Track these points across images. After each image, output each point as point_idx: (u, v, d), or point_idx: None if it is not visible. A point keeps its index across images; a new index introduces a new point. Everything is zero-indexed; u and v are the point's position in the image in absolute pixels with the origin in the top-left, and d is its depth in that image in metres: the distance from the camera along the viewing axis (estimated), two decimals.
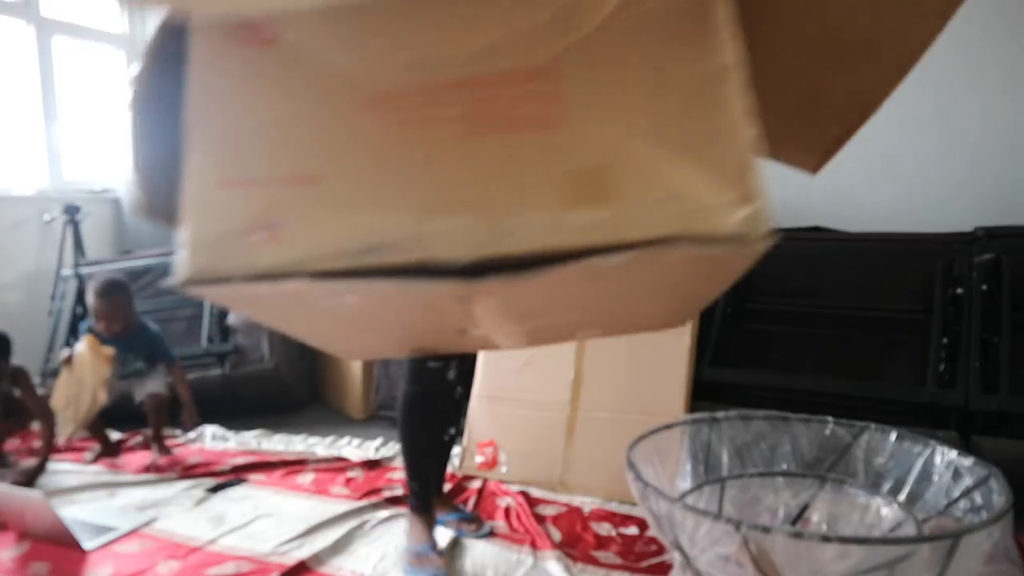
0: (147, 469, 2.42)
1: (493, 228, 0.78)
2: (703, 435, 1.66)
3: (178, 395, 2.58)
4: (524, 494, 2.09)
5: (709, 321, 2.35)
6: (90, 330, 2.55)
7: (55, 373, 3.06)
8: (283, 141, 0.83)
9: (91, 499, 2.20)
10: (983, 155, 2.75)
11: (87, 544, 1.84)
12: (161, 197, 0.95)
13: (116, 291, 2.54)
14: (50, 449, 2.39)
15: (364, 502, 2.07)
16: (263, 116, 0.84)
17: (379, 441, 2.60)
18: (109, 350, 2.46)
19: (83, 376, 2.43)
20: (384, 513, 2.00)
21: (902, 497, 1.51)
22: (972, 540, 1.11)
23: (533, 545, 1.80)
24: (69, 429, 2.43)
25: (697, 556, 1.24)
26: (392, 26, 0.79)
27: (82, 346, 2.47)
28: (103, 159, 4.21)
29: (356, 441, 2.64)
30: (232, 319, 3.01)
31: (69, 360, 2.45)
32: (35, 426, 2.53)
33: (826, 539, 1.13)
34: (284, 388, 3.04)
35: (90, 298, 2.52)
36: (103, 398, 2.43)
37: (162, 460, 2.47)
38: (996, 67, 2.69)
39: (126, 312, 2.54)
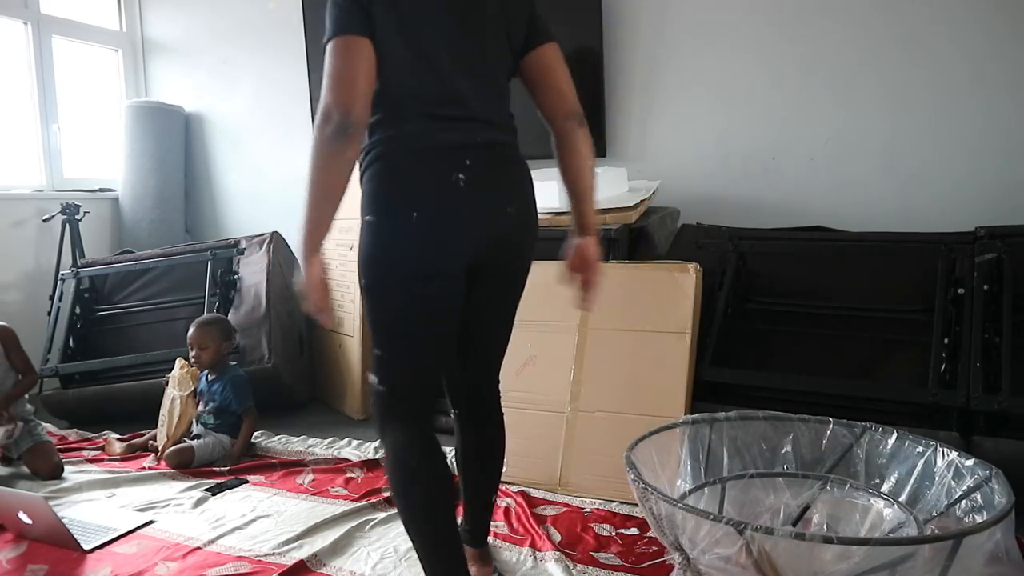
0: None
1: None
2: (703, 435, 1.65)
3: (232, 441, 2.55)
4: (524, 494, 2.09)
5: (709, 321, 2.34)
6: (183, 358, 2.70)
7: (55, 373, 3.07)
8: None
9: (90, 499, 2.20)
10: (983, 155, 2.74)
11: (86, 545, 1.84)
12: None
13: (211, 322, 2.69)
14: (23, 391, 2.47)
15: (363, 503, 2.07)
16: None
17: (378, 442, 2.60)
18: (195, 371, 2.63)
19: (174, 394, 2.60)
20: (383, 514, 2.00)
21: (903, 498, 1.50)
22: (974, 541, 1.10)
23: (533, 545, 1.79)
24: (163, 442, 2.53)
25: (698, 557, 1.24)
26: None
27: (176, 369, 2.65)
28: (101, 158, 4.21)
29: (355, 442, 2.64)
30: (232, 317, 3.00)
31: (167, 382, 2.66)
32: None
33: (828, 540, 1.12)
34: (283, 388, 3.04)
35: (190, 329, 2.64)
36: (191, 410, 2.57)
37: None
38: (997, 66, 2.68)
39: (214, 345, 2.61)
